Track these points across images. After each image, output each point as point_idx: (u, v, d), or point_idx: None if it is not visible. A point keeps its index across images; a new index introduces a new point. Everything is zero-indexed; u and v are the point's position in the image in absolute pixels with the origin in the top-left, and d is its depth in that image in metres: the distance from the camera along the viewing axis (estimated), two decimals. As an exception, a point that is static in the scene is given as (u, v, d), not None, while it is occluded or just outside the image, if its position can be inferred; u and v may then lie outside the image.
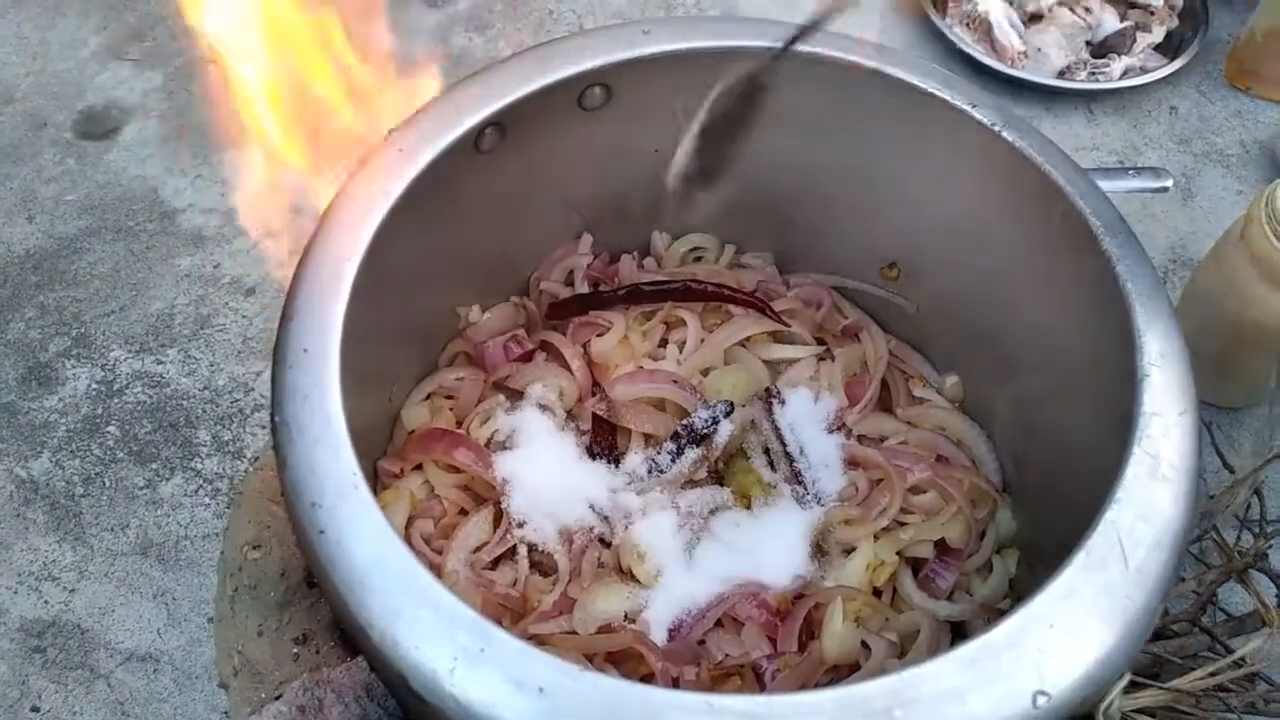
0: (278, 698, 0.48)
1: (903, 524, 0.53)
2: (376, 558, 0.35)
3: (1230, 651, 0.49)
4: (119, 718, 0.56)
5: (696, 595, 0.48)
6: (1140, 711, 0.42)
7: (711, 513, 0.51)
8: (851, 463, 0.54)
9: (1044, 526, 0.53)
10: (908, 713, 0.33)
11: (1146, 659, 0.49)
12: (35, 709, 0.56)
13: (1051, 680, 0.34)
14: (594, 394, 0.55)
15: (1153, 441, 0.38)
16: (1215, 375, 0.62)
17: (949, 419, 0.57)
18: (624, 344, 0.57)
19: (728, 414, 0.53)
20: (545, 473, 0.52)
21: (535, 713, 0.34)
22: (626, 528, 0.50)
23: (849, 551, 0.52)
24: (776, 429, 0.53)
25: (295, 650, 0.57)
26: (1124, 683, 0.35)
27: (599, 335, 0.57)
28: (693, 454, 0.52)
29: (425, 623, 0.34)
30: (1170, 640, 0.51)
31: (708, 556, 0.50)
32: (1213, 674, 0.44)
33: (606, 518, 0.51)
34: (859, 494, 0.53)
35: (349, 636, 0.37)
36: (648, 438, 0.54)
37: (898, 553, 0.52)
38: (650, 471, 0.52)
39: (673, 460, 0.52)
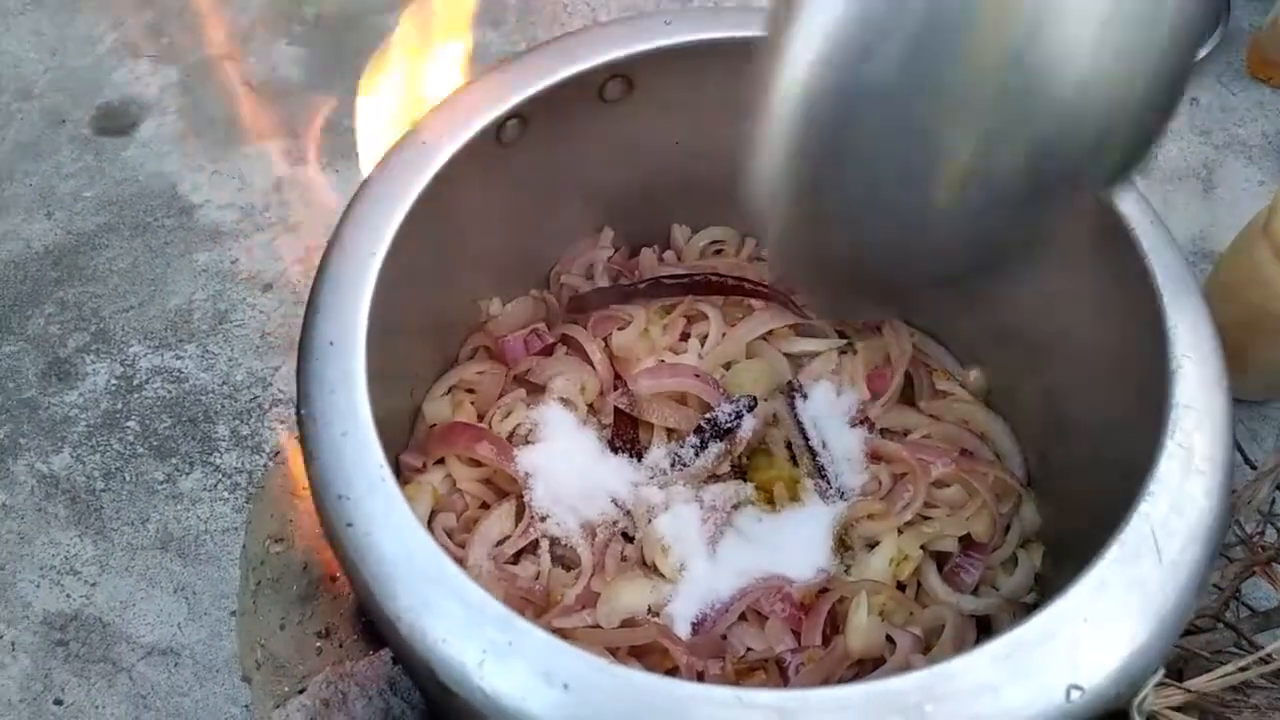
0: (301, 691, 0.49)
1: (927, 518, 0.52)
2: (404, 550, 0.35)
3: (1255, 647, 0.49)
4: (141, 711, 0.56)
5: (720, 589, 0.48)
6: (1171, 708, 0.41)
7: (734, 507, 0.51)
8: (874, 456, 0.54)
9: (1068, 520, 0.52)
10: (939, 707, 0.32)
11: (1172, 654, 0.49)
12: (58, 702, 0.56)
13: (1085, 674, 0.33)
14: (616, 388, 0.55)
15: (1186, 434, 0.38)
16: (1237, 368, 0.62)
17: (973, 412, 0.57)
18: (645, 337, 0.57)
19: (751, 408, 0.52)
20: (567, 467, 0.51)
21: (562, 706, 0.33)
22: (649, 521, 0.50)
23: (872, 546, 0.51)
24: (799, 423, 0.53)
25: (318, 644, 0.57)
26: (1157, 678, 0.35)
27: (620, 329, 0.57)
28: (716, 448, 0.52)
29: (454, 616, 0.34)
30: (1195, 636, 0.51)
31: (731, 550, 0.50)
32: (1242, 669, 0.44)
33: (629, 511, 0.51)
34: (882, 488, 0.53)
35: (375, 629, 0.37)
36: (670, 432, 0.54)
37: (922, 547, 0.52)
38: (673, 465, 0.52)
39: (696, 454, 0.52)
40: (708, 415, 0.53)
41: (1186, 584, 0.35)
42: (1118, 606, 0.35)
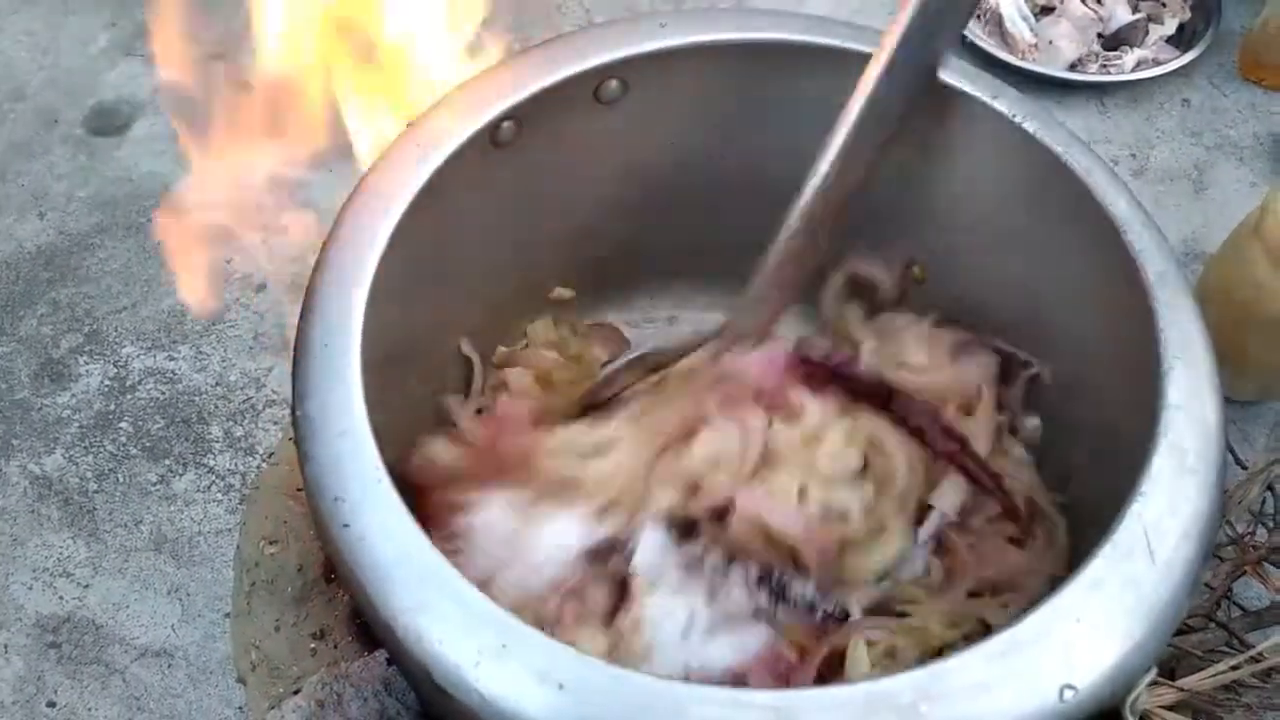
0: (296, 692, 0.49)
1: None
2: (401, 552, 0.35)
3: (1247, 646, 0.49)
4: (134, 713, 0.56)
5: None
6: (1163, 707, 0.42)
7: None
8: (938, 546, 0.49)
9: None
10: (934, 707, 0.33)
11: (1165, 653, 0.49)
12: (51, 704, 0.56)
13: (1079, 674, 0.34)
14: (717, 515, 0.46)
15: (1178, 435, 0.38)
16: (1228, 369, 0.62)
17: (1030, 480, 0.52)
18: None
19: (841, 617, 0.45)
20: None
21: (559, 707, 0.33)
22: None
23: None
24: None
25: (313, 645, 0.57)
26: (1150, 677, 0.35)
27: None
28: (770, 606, 0.44)
29: (450, 617, 0.34)
30: (1188, 635, 0.51)
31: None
32: (1234, 668, 0.44)
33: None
34: (933, 581, 0.48)
35: (371, 630, 0.37)
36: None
37: None
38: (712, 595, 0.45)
39: (770, 600, 0.44)
40: (782, 580, 0.44)
41: (1179, 583, 0.36)
42: (1111, 606, 0.35)
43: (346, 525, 0.36)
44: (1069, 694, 0.33)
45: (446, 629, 0.34)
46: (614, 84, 0.50)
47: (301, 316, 0.41)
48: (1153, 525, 0.36)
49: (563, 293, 0.59)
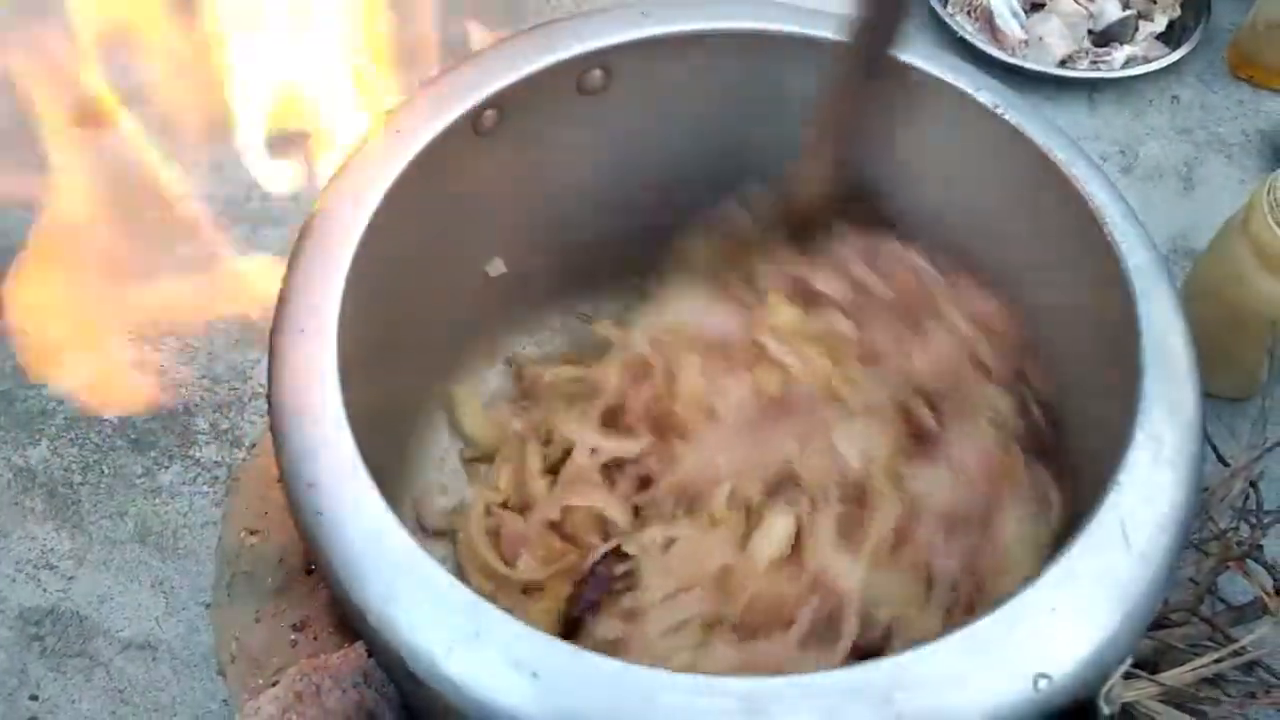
0: (275, 684, 0.48)
1: None
2: (374, 538, 0.35)
3: (1231, 640, 0.49)
4: (118, 705, 0.56)
5: None
6: (1143, 697, 0.42)
7: None
8: None
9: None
10: (909, 695, 0.32)
11: (1148, 648, 0.49)
12: (34, 697, 0.56)
13: (1053, 663, 0.33)
14: None
15: (1155, 426, 0.38)
16: (1213, 365, 0.62)
17: None
18: None
19: None
20: None
21: (532, 694, 0.33)
22: None
23: None
24: None
25: (293, 637, 0.56)
26: (1125, 667, 0.35)
27: None
28: None
29: (421, 604, 0.34)
30: (1172, 630, 0.51)
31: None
32: (1217, 660, 0.44)
33: None
34: None
35: (347, 619, 0.37)
36: None
37: None
38: None
39: None
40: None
41: (1156, 574, 0.36)
42: (1086, 596, 0.35)
43: (320, 513, 0.36)
44: (1043, 683, 0.33)
45: (418, 616, 0.34)
46: (597, 73, 0.50)
47: (277, 304, 0.41)
48: (1129, 516, 0.36)
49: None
